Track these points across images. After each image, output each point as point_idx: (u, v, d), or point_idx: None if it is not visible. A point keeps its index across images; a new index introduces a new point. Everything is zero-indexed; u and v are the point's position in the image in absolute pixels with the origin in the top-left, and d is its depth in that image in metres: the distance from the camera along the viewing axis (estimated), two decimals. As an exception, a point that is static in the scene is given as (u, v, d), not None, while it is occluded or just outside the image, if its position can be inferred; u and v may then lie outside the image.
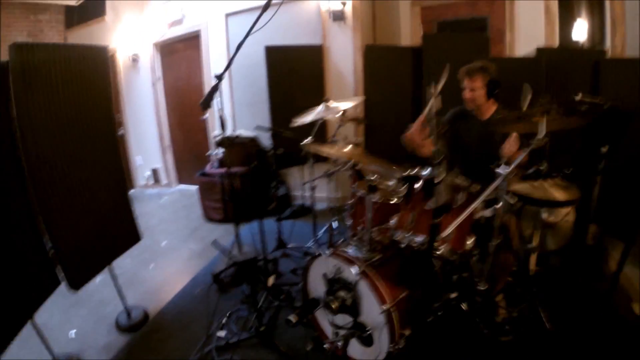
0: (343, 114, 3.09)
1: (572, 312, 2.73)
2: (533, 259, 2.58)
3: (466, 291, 2.11)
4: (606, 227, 3.21)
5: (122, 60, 6.12)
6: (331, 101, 2.85)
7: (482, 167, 2.63)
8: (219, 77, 2.65)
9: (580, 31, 4.44)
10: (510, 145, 2.58)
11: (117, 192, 2.87)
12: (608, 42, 4.25)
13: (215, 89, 2.63)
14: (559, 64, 3.80)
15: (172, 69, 6.06)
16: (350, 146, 2.05)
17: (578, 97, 2.82)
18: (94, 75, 2.59)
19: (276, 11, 2.95)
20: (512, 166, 1.86)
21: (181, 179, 6.46)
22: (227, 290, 3.28)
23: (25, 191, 2.15)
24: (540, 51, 4.09)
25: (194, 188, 5.31)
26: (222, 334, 2.73)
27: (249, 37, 2.60)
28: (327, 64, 4.77)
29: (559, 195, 2.02)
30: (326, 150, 1.97)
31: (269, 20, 2.82)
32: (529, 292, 2.57)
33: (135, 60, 6.03)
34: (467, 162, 2.93)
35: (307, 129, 3.02)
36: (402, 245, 2.11)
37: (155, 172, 6.38)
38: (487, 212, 2.04)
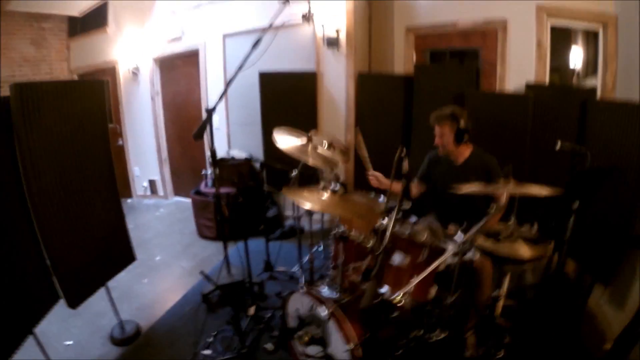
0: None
1: (544, 348, 2.81)
2: (500, 303, 2.69)
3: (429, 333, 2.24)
4: (584, 265, 3.26)
5: (122, 72, 6.27)
6: (314, 139, 2.89)
7: (457, 210, 2.76)
8: (211, 111, 2.77)
9: (576, 59, 4.51)
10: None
11: (113, 216, 3.02)
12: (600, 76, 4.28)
13: (207, 121, 2.74)
14: (547, 101, 3.81)
15: (171, 84, 6.19)
16: (328, 193, 2.16)
17: (557, 146, 2.92)
18: (92, 109, 2.72)
19: (272, 41, 3.09)
20: (467, 236, 1.98)
21: (177, 191, 6.58)
22: (215, 310, 3.40)
23: (28, 214, 2.29)
24: (529, 88, 4.12)
25: (189, 201, 5.42)
26: (207, 352, 2.87)
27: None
28: (320, 90, 4.85)
29: (524, 252, 2.10)
30: (301, 200, 2.09)
31: (263, 53, 2.96)
32: (496, 333, 2.69)
33: (135, 73, 6.18)
34: (443, 205, 3.04)
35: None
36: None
37: (152, 183, 6.51)
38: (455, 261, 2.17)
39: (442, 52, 5.02)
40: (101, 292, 2.91)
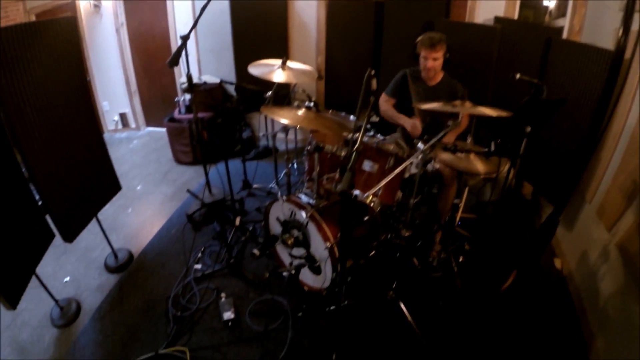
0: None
1: (501, 260, 3.14)
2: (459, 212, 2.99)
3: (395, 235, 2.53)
4: (540, 188, 3.57)
5: (83, 6, 5.91)
6: (288, 63, 3.00)
7: (428, 125, 3.00)
8: (185, 38, 2.81)
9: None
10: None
11: (96, 148, 3.04)
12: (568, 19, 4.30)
13: (181, 48, 2.79)
14: (514, 35, 3.87)
15: (135, 14, 5.94)
16: (302, 110, 2.34)
17: (517, 77, 3.13)
18: (65, 45, 2.63)
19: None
20: (430, 143, 2.24)
21: (149, 122, 6.53)
22: (200, 229, 3.61)
23: (13, 156, 2.28)
24: (497, 21, 4.22)
25: (162, 130, 5.42)
26: (198, 266, 3.12)
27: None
28: (291, 17, 4.82)
29: (480, 167, 2.39)
30: (277, 116, 2.26)
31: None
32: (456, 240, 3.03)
33: (97, 6, 5.84)
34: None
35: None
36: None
37: (123, 116, 6.42)
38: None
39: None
40: (87, 227, 2.92)
